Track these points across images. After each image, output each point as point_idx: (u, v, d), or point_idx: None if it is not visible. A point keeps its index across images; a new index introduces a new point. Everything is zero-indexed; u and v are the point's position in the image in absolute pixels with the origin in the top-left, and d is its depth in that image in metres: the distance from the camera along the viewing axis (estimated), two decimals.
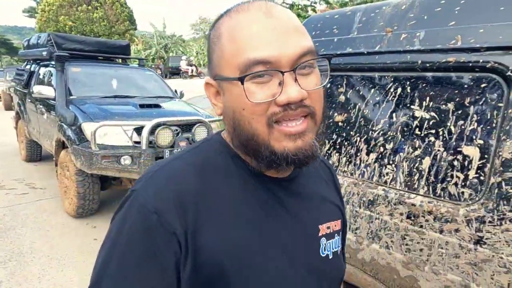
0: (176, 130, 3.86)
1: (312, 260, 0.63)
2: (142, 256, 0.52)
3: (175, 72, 26.34)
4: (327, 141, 1.44)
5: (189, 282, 0.52)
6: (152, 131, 3.61)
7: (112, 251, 0.54)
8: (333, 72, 1.45)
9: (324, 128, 0.64)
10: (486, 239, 1.01)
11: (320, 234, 0.65)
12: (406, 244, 1.17)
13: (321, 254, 0.64)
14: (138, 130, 3.70)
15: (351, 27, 1.43)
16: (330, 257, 0.66)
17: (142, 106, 4.23)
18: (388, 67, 1.27)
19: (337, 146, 1.40)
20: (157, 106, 4.42)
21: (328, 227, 0.67)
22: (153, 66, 24.45)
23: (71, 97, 4.31)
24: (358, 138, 1.34)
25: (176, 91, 5.59)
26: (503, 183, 0.98)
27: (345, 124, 1.40)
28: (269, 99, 0.52)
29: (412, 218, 1.16)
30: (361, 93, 1.36)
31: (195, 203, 0.54)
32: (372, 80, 1.33)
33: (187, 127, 3.97)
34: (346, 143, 1.38)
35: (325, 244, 0.65)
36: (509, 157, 0.98)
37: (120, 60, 6.06)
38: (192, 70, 25.29)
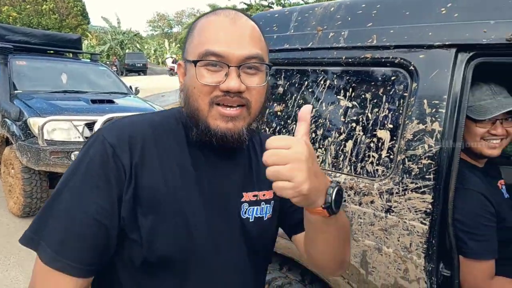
0: None
1: (230, 217, 0.76)
2: (98, 177, 0.66)
3: (133, 69, 25.53)
4: (268, 129, 1.57)
5: (129, 202, 0.67)
6: None
7: (77, 167, 0.67)
8: (274, 66, 1.59)
9: (261, 123, 0.79)
10: (394, 207, 1.19)
11: (243, 200, 0.78)
12: None
13: (241, 215, 0.77)
14: (90, 125, 3.63)
15: (288, 26, 1.57)
16: (251, 220, 0.78)
17: (94, 101, 4.14)
18: (319, 62, 1.43)
19: (276, 134, 1.54)
20: (110, 101, 4.35)
21: (255, 195, 0.80)
22: (107, 62, 23.51)
23: (15, 91, 4.10)
24: (294, 126, 1.49)
25: (131, 87, 5.51)
26: (406, 160, 1.17)
27: (283, 113, 1.54)
28: (214, 84, 0.68)
29: None
30: (296, 85, 1.51)
31: (142, 146, 0.70)
32: (305, 74, 1.49)
33: None
34: (284, 131, 1.52)
35: (247, 208, 0.78)
36: (411, 137, 1.17)
37: (71, 55, 5.83)
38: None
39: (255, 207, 0.80)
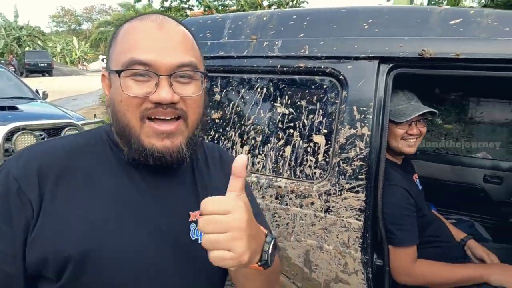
0: (41, 135, 3.42)
1: (180, 242, 0.69)
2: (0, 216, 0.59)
3: (35, 70, 22.72)
4: (205, 137, 1.55)
5: (35, 243, 0.60)
6: (9, 137, 3.12)
7: None
8: (209, 73, 1.57)
9: (201, 134, 0.73)
10: (332, 207, 1.28)
11: (190, 220, 0.71)
12: (276, 221, 1.38)
13: (190, 237, 0.70)
14: None
15: (222, 33, 1.57)
16: (200, 242, 0.71)
17: None
18: (255, 70, 1.46)
19: (215, 141, 1.53)
20: (13, 108, 3.82)
21: None
22: (2, 62, 20.56)
23: None
24: (233, 133, 1.49)
25: (37, 91, 4.91)
26: (341, 162, 1.27)
27: (221, 120, 1.53)
28: (143, 95, 0.61)
29: (279, 198, 1.37)
30: (233, 93, 1.52)
31: (57, 177, 0.62)
32: (242, 81, 1.50)
33: (54, 131, 3.56)
34: (223, 138, 1.52)
35: (194, 229, 0.71)
36: (344, 141, 1.26)
37: None
38: None
39: None
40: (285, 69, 1.39)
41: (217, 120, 1.54)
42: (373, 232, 1.25)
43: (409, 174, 1.51)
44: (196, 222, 0.72)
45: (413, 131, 1.34)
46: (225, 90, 1.54)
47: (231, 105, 1.52)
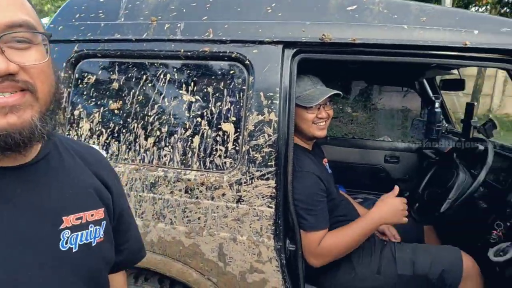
0: None
1: (43, 255, 0.57)
2: None
3: None
4: (104, 131, 1.38)
5: None
6: None
7: None
8: (103, 58, 1.40)
9: (58, 114, 0.59)
10: (244, 197, 1.24)
11: (62, 227, 0.59)
12: (187, 216, 1.29)
13: (60, 247, 0.59)
14: None
15: (117, 13, 1.40)
16: (75, 250, 0.60)
17: None
18: (156, 55, 1.34)
19: (116, 135, 1.37)
20: None
21: (79, 218, 0.62)
22: None
23: None
24: (136, 125, 1.35)
25: None
26: (250, 150, 1.23)
27: (121, 111, 1.38)
28: None
29: (189, 192, 1.29)
30: (134, 80, 1.37)
31: None
32: (143, 67, 1.37)
33: None
34: (124, 131, 1.37)
35: (68, 236, 0.60)
36: (252, 128, 1.23)
37: None
38: None
39: (81, 232, 0.62)
40: (189, 53, 1.30)
41: (116, 111, 1.38)
42: (285, 219, 1.25)
43: (319, 159, 1.55)
44: (70, 228, 0.60)
45: (322, 115, 1.37)
46: (123, 77, 1.38)
47: (131, 93, 1.37)
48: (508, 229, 1.30)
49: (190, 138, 1.31)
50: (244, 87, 1.27)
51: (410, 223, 1.68)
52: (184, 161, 1.31)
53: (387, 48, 1.17)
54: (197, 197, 1.28)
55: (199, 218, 1.28)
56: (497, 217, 1.37)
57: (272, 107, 1.22)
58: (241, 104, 1.27)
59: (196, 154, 1.30)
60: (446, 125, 2.28)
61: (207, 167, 1.29)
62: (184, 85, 1.32)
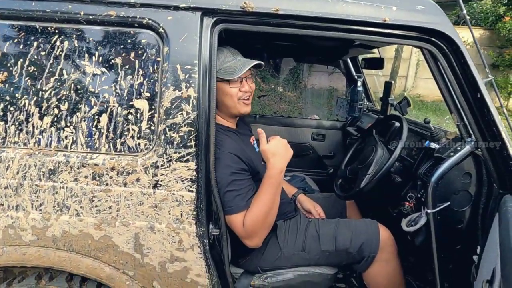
0: None
1: None
2: None
3: None
4: None
5: None
6: None
7: None
8: None
9: None
10: (161, 181, 1.13)
11: None
12: (96, 206, 1.14)
13: None
14: None
15: None
16: None
17: None
18: (50, 17, 1.11)
19: (1, 113, 1.14)
20: None
21: None
22: None
23: None
24: (27, 101, 1.13)
25: None
26: (167, 129, 1.11)
27: (7, 85, 1.14)
28: None
29: (97, 178, 1.13)
30: (22, 47, 1.14)
31: None
32: (34, 32, 1.13)
33: None
34: (12, 109, 1.14)
35: None
36: (169, 105, 1.11)
37: None
38: None
39: None
40: (91, 17, 1.10)
41: (1, 85, 1.14)
42: (207, 202, 1.17)
43: (245, 137, 1.49)
44: None
45: (245, 88, 1.29)
46: (9, 43, 1.14)
47: (19, 64, 1.14)
48: (418, 200, 1.39)
49: (96, 116, 1.13)
50: (158, 59, 1.12)
51: (333, 199, 1.73)
52: (90, 144, 1.14)
53: (309, 21, 1.12)
54: (107, 184, 1.13)
55: (110, 207, 1.14)
56: (409, 189, 1.46)
57: (191, 81, 1.10)
58: (156, 78, 1.13)
59: (104, 135, 1.14)
60: (367, 103, 2.39)
61: (118, 150, 1.14)
62: (86, 55, 1.13)
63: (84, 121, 1.14)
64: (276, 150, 1.23)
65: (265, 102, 6.00)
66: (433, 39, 1.13)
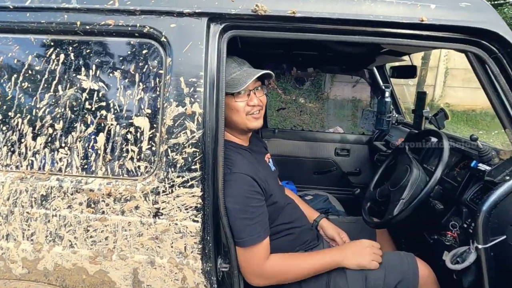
0: None
1: None
2: None
3: None
4: None
5: None
6: None
7: None
8: None
9: None
10: (163, 209, 0.99)
11: None
12: (91, 237, 1.02)
13: None
14: None
15: None
16: None
17: None
18: (45, 28, 1.02)
19: None
20: None
21: None
22: None
23: None
24: (20, 120, 1.04)
25: None
26: (169, 150, 0.98)
27: None
28: None
29: (93, 206, 1.01)
30: (15, 61, 1.05)
31: None
32: (27, 44, 1.04)
33: None
34: (4, 128, 1.05)
35: None
36: (171, 123, 0.97)
37: None
38: None
39: None
40: (88, 27, 1.00)
41: None
42: (215, 233, 1.02)
43: (259, 155, 1.34)
44: None
45: (253, 101, 1.15)
46: (1, 58, 1.05)
47: (13, 79, 1.05)
48: (463, 230, 1.18)
49: (92, 136, 1.02)
50: (160, 71, 1.00)
51: (361, 224, 1.53)
52: (86, 167, 1.02)
53: (332, 24, 0.97)
54: (103, 212, 1.01)
55: (106, 238, 1.01)
56: (452, 217, 1.25)
57: (196, 96, 0.97)
58: (158, 93, 1.00)
59: (101, 157, 1.02)
60: (396, 115, 2.18)
61: (116, 174, 1.01)
62: (83, 69, 1.03)
63: (80, 141, 1.02)
64: (358, 247, 1.18)
65: (285, 114, 5.84)
66: (482, 41, 0.95)
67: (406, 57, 1.87)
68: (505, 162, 1.07)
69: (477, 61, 1.00)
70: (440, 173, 1.14)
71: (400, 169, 1.38)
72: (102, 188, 1.00)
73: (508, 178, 1.01)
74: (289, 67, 2.36)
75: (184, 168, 0.97)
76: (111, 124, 1.02)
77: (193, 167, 0.97)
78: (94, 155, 1.02)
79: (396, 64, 2.04)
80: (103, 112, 1.02)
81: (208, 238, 1.00)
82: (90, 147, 1.02)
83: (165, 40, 0.98)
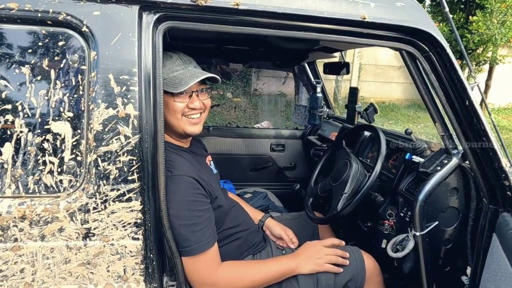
0: None
1: None
2: None
3: None
4: None
5: None
6: None
7: None
8: None
9: None
10: (94, 229, 0.85)
11: None
12: (2, 271, 0.83)
13: None
14: None
15: None
16: None
17: None
18: None
19: None
20: None
21: None
22: None
23: None
24: None
25: None
26: (99, 160, 0.84)
27: None
28: None
29: (1, 233, 0.82)
30: None
31: None
32: None
33: None
34: None
35: None
36: (100, 128, 0.83)
37: None
38: None
39: None
40: None
41: None
42: (159, 250, 0.91)
43: (200, 158, 1.25)
44: None
45: (194, 104, 1.06)
46: None
47: None
48: (399, 219, 1.26)
49: None
50: (83, 67, 0.85)
51: (303, 219, 1.55)
52: None
53: (276, 19, 0.92)
54: (15, 240, 0.82)
55: (22, 271, 0.83)
56: (388, 206, 1.32)
57: (129, 96, 0.84)
58: (80, 92, 0.85)
59: (9, 172, 0.83)
60: (327, 110, 2.26)
61: (31, 191, 0.83)
62: None
63: None
64: (310, 251, 1.17)
65: (216, 110, 5.73)
66: (416, 40, 0.99)
67: (336, 54, 1.94)
68: (436, 154, 1.16)
69: (411, 59, 1.05)
70: (380, 167, 1.20)
71: (339, 164, 1.42)
72: (12, 210, 0.82)
73: (439, 168, 1.09)
74: (219, 62, 2.28)
75: (119, 180, 0.84)
76: (21, 132, 0.83)
77: (129, 177, 0.85)
78: (0, 169, 0.83)
79: (329, 60, 2.11)
80: (10, 116, 0.83)
81: (152, 256, 0.89)
82: None
83: (87, 30, 0.83)
